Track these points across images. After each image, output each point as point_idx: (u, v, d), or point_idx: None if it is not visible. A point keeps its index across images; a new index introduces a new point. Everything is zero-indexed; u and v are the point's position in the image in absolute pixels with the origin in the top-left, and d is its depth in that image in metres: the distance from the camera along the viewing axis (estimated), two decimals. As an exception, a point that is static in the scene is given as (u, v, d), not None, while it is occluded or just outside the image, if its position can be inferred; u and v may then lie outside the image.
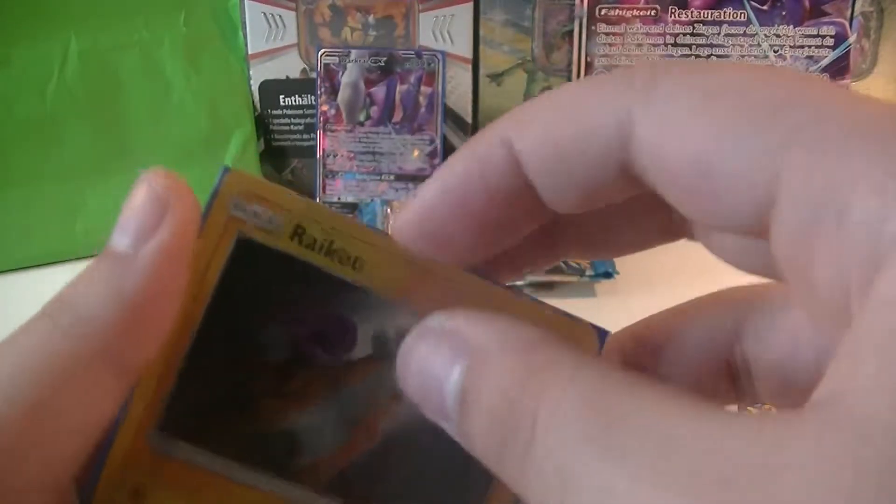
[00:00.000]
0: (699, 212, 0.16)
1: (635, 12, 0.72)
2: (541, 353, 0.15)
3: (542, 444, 0.14)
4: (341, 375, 0.20)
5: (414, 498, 0.20)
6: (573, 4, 0.73)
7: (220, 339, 0.19)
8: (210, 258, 0.19)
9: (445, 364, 0.16)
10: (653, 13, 0.72)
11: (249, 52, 0.75)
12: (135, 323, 0.18)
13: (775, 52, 0.71)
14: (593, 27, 0.72)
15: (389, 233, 0.19)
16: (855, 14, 0.71)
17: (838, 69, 0.72)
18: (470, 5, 0.75)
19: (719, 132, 0.15)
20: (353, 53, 0.73)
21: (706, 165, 0.15)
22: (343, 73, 0.73)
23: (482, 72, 0.76)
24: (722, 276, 0.20)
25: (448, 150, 0.75)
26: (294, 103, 0.77)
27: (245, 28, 0.75)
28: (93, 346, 0.17)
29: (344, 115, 0.74)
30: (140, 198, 0.18)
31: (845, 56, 0.71)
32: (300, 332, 0.20)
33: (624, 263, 0.62)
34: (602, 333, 0.20)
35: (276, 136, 0.77)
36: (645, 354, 0.21)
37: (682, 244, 0.20)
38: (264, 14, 0.75)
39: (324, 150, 0.74)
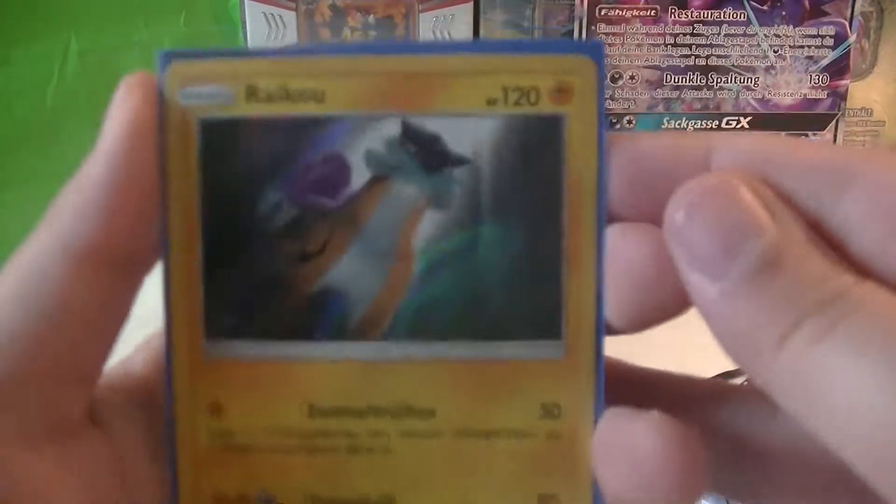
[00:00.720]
0: None
1: (635, 12, 0.72)
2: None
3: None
4: (354, 212, 0.19)
5: (481, 317, 0.19)
6: (573, 4, 0.73)
7: (227, 228, 0.19)
8: (184, 154, 0.19)
9: (747, 227, 0.16)
10: (652, 13, 0.72)
11: (249, 52, 0.75)
12: (108, 213, 0.18)
13: (775, 52, 0.71)
14: (593, 27, 0.72)
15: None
16: (855, 14, 0.71)
17: (838, 69, 0.72)
18: (470, 5, 0.75)
19: None
20: (353, 53, 0.73)
21: None
22: (343, 73, 0.73)
23: (482, 72, 0.76)
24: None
25: (448, 150, 0.75)
26: (294, 103, 0.77)
27: (245, 28, 0.75)
28: (66, 244, 0.17)
29: (344, 115, 0.74)
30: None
31: (845, 56, 0.71)
32: (295, 187, 0.19)
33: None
34: (594, 49, 0.20)
35: (276, 136, 0.77)
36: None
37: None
38: (264, 14, 0.75)
39: (324, 150, 0.74)
